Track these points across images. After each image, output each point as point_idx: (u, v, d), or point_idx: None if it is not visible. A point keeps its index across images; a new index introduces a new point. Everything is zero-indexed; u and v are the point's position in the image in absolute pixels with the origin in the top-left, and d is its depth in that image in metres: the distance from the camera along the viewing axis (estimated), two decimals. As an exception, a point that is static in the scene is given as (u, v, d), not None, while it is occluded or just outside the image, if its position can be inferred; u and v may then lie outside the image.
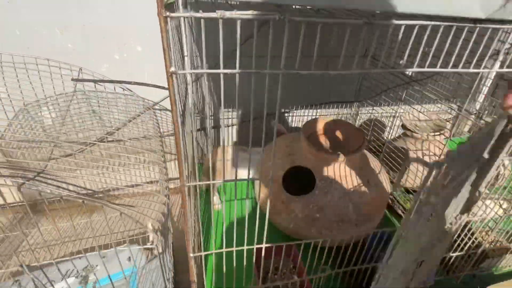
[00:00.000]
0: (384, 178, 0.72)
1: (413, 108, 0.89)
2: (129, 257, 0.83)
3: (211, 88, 1.04)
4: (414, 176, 0.88)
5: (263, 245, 0.51)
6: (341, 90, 1.14)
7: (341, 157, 0.66)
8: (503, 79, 0.94)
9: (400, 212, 0.86)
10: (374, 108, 1.11)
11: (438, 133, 0.88)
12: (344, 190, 0.67)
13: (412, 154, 0.91)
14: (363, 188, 0.66)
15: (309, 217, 0.67)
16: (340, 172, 0.68)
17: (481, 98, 1.24)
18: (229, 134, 1.16)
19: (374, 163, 0.75)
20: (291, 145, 0.78)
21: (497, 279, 0.68)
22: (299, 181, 0.71)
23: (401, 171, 0.78)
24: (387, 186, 0.71)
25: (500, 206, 0.73)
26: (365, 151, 0.80)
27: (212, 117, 1.10)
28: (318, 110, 1.16)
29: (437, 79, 0.87)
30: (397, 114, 1.04)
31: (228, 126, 1.14)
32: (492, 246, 0.69)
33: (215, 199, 0.92)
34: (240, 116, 1.12)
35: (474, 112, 0.70)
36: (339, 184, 0.68)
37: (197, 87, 1.02)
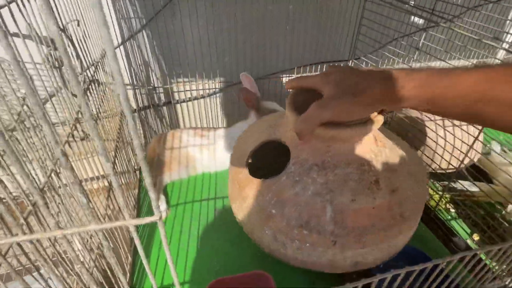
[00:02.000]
0: (419, 181, 0.50)
1: (439, 59, 0.67)
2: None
3: (154, 48, 0.80)
4: (442, 155, 0.70)
5: None
6: (333, 46, 0.93)
7: (336, 132, 0.45)
8: None
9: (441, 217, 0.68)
10: (378, 66, 0.91)
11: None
12: (326, 185, 0.47)
13: (430, 126, 0.73)
14: (363, 189, 0.46)
15: (263, 212, 0.49)
16: (331, 157, 0.48)
17: None
18: (184, 114, 0.95)
19: (402, 152, 0.53)
20: (279, 117, 0.58)
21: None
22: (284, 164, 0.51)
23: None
24: (417, 194, 0.49)
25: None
26: (389, 132, 0.59)
27: (160, 89, 0.88)
28: (304, 75, 0.95)
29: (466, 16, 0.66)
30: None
31: (184, 101, 0.92)
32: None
33: (160, 203, 0.70)
34: (208, 85, 0.90)
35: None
36: (321, 173, 0.47)
37: (133, 46, 0.79)
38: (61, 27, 0.35)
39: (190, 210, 0.71)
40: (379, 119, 0.45)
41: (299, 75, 0.49)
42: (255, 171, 0.55)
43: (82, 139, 0.35)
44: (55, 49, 0.31)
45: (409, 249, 0.55)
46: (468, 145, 0.68)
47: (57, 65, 0.30)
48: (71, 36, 0.38)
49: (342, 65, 0.46)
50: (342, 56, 0.95)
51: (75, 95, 0.36)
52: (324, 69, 0.95)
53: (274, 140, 0.55)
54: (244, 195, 0.53)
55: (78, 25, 0.41)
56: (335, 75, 0.42)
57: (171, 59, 0.81)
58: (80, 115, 0.35)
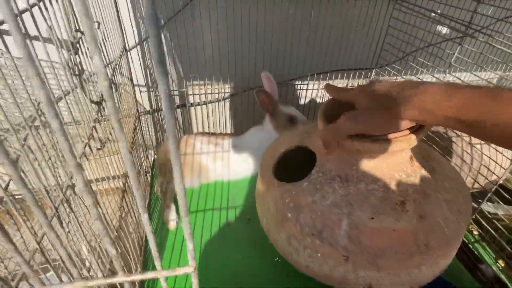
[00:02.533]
0: (455, 212, 0.47)
1: (471, 73, 0.65)
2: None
3: (171, 48, 0.80)
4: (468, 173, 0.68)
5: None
6: (355, 53, 0.91)
7: (360, 146, 0.44)
8: None
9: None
10: (400, 77, 0.89)
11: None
12: (347, 198, 0.46)
13: (457, 143, 0.70)
14: (386, 209, 0.45)
15: (280, 215, 0.50)
16: (356, 170, 0.47)
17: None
18: (198, 117, 0.94)
19: (442, 178, 0.50)
20: (315, 125, 0.60)
21: None
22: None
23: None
24: (451, 225, 0.45)
25: None
26: (436, 154, 0.57)
27: (175, 92, 0.88)
28: (323, 81, 0.94)
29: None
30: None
31: (199, 104, 0.91)
32: None
33: (170, 212, 0.69)
34: (222, 89, 0.89)
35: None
36: (343, 185, 0.47)
37: (150, 48, 0.79)
38: (81, 30, 0.35)
39: (201, 220, 0.70)
40: (411, 138, 0.44)
41: (339, 86, 0.49)
42: (285, 175, 0.56)
43: (98, 149, 0.34)
44: (76, 53, 0.31)
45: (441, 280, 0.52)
46: (496, 163, 0.65)
47: (77, 72, 0.29)
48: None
49: (381, 78, 0.44)
50: (364, 64, 0.93)
51: (95, 102, 0.36)
52: (345, 77, 0.94)
53: (303, 146, 0.55)
54: (266, 196, 0.54)
55: (99, 27, 0.41)
56: (372, 86, 0.41)
57: (188, 62, 0.81)
58: (97, 124, 0.35)
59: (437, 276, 0.49)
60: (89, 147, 0.32)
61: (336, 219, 0.45)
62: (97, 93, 0.39)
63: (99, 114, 0.37)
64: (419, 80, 0.43)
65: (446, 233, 0.45)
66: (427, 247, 0.43)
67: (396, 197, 0.45)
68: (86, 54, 0.37)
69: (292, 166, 0.60)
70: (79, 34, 0.34)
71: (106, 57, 0.48)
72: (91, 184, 0.40)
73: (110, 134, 0.48)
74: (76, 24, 0.33)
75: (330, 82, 0.95)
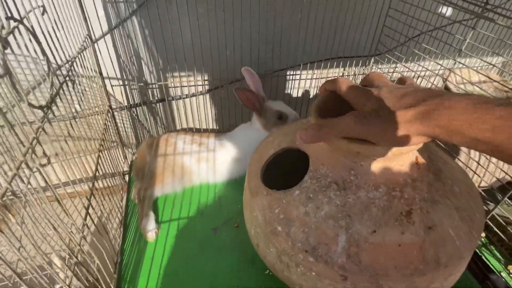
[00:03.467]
0: (467, 220, 0.43)
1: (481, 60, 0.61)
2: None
3: (146, 38, 0.74)
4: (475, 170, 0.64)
5: None
6: (352, 39, 0.86)
7: (362, 149, 0.40)
8: None
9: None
10: (401, 64, 0.84)
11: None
12: (344, 208, 0.42)
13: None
14: (389, 220, 0.40)
15: (268, 227, 0.45)
16: (355, 175, 0.43)
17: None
18: (181, 112, 0.89)
19: (451, 181, 0.46)
20: (306, 122, 0.56)
21: None
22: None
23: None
24: (462, 236, 0.41)
25: None
26: (441, 152, 0.52)
27: (153, 86, 0.82)
28: (317, 71, 0.89)
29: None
30: (440, 72, 0.77)
31: (180, 98, 0.86)
32: None
33: (148, 222, 0.64)
34: (205, 81, 0.84)
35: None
36: (340, 194, 0.42)
37: (122, 36, 0.73)
38: (18, 17, 0.30)
39: (185, 228, 0.66)
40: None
41: (339, 77, 0.43)
42: (275, 180, 0.51)
43: (43, 165, 0.29)
44: (4, 48, 0.26)
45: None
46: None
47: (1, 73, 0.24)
48: (33, 29, 0.32)
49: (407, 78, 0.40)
50: (362, 51, 0.88)
51: (36, 107, 0.31)
52: (340, 65, 0.89)
53: (294, 148, 0.50)
54: (254, 205, 0.50)
55: (43, 13, 0.35)
56: (379, 89, 0.37)
57: (165, 51, 0.75)
58: (40, 133, 0.30)
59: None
60: (28, 166, 0.27)
61: (332, 234, 0.41)
62: (43, 95, 0.34)
63: (45, 121, 0.31)
64: (440, 90, 0.37)
65: (457, 245, 0.41)
66: (437, 263, 0.39)
67: (401, 206, 0.41)
68: (26, 48, 0.32)
69: (284, 170, 0.56)
70: (12, 23, 0.28)
71: (61, 49, 0.42)
72: (51, 189, 0.35)
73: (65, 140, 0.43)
74: (7, 9, 0.27)
75: (325, 71, 0.90)
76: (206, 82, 0.84)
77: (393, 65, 0.89)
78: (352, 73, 0.94)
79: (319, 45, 0.83)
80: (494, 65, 0.57)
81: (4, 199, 0.29)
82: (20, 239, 0.38)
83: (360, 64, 0.89)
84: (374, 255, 0.39)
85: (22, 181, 0.30)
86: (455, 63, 0.67)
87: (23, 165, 0.30)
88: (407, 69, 0.86)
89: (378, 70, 0.90)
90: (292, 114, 0.76)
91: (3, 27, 0.26)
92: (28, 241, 0.37)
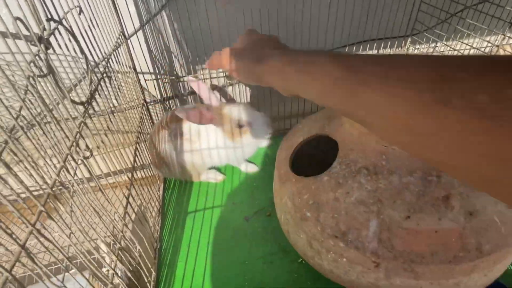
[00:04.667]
0: None
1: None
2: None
3: (175, 31, 0.77)
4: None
5: None
6: (386, 18, 0.82)
7: None
8: None
9: None
10: (442, 43, 0.79)
11: None
12: (375, 194, 0.41)
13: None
14: (425, 206, 0.39)
15: (298, 213, 0.46)
16: (387, 160, 0.42)
17: None
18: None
19: None
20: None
21: None
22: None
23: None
24: (507, 223, 0.39)
25: None
26: None
27: (184, 79, 0.85)
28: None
29: None
30: (487, 49, 0.72)
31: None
32: None
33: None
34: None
35: None
36: (371, 179, 0.42)
37: (153, 31, 0.76)
38: (58, 18, 0.33)
39: (219, 217, 0.68)
40: None
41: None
42: (305, 167, 0.53)
43: (86, 158, 0.32)
44: (46, 49, 0.28)
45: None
46: None
47: (45, 71, 0.27)
48: (71, 28, 0.35)
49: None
50: (397, 32, 0.84)
51: (80, 103, 0.34)
52: (374, 48, 0.86)
53: (324, 135, 0.51)
54: (283, 192, 0.51)
55: (80, 13, 0.38)
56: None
57: (194, 44, 0.77)
58: (83, 128, 0.33)
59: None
60: (73, 158, 0.30)
61: (363, 219, 0.41)
62: (83, 92, 0.37)
63: (86, 116, 0.34)
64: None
65: (502, 232, 0.39)
66: (479, 251, 0.38)
67: (438, 191, 0.40)
68: (66, 47, 0.35)
69: (313, 158, 0.56)
70: (53, 24, 0.31)
71: (97, 47, 0.46)
72: (95, 180, 0.38)
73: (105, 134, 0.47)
74: (47, 11, 0.30)
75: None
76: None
77: (433, 45, 0.84)
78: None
79: (351, 28, 0.81)
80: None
81: (53, 189, 0.33)
82: (70, 226, 0.43)
83: (395, 46, 0.86)
84: (408, 241, 0.38)
85: (69, 172, 0.34)
86: (504, 38, 0.63)
87: (69, 158, 0.33)
88: (449, 48, 0.81)
89: (416, 51, 0.85)
90: (258, 119, 0.68)
91: (44, 29, 0.29)
92: (76, 228, 0.42)
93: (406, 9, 0.80)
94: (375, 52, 0.87)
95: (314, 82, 0.27)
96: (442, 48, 0.82)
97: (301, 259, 0.58)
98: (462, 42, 0.78)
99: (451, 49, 0.81)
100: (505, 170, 0.17)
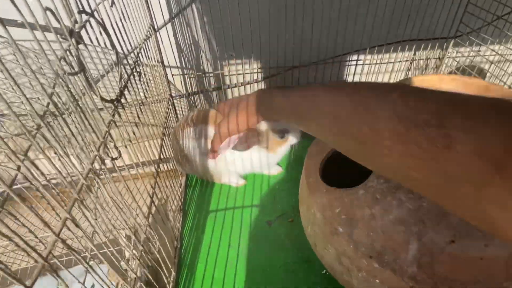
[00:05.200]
0: None
1: None
2: (93, 285, 0.66)
3: (205, 26, 0.75)
4: None
5: None
6: (427, 18, 0.77)
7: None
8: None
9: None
10: (487, 47, 0.73)
11: None
12: (417, 213, 0.38)
13: None
14: (471, 230, 0.36)
15: (328, 227, 0.43)
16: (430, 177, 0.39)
17: None
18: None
19: None
20: None
21: None
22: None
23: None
24: None
25: None
26: None
27: (210, 74, 0.83)
28: (385, 55, 0.82)
29: None
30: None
31: (236, 86, 0.86)
32: None
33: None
34: (261, 69, 0.83)
35: None
36: (413, 197, 0.39)
37: (182, 24, 0.74)
38: (89, 10, 0.31)
39: (240, 219, 0.66)
40: None
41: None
42: (334, 177, 0.50)
43: (114, 159, 0.30)
44: (78, 43, 0.27)
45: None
46: None
47: (77, 69, 0.25)
48: (103, 21, 0.33)
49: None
50: (439, 33, 0.78)
51: (109, 101, 0.32)
52: (413, 49, 0.81)
53: None
54: (312, 202, 0.48)
55: (112, 5, 0.36)
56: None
57: (223, 38, 0.75)
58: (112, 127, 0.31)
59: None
60: (101, 160, 0.28)
61: (402, 241, 0.37)
62: (113, 87, 0.35)
63: (116, 115, 0.33)
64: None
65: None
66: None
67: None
68: (97, 41, 0.33)
69: (345, 166, 0.53)
70: (84, 17, 0.29)
71: (128, 41, 0.44)
72: (122, 171, 0.37)
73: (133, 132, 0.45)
74: (78, 3, 0.29)
75: (393, 55, 0.82)
76: (261, 70, 0.82)
77: (476, 48, 0.78)
78: (424, 57, 0.85)
79: (390, 27, 0.76)
80: None
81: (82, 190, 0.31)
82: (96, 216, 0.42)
83: (436, 47, 0.80)
84: (451, 268, 0.35)
85: (97, 175, 0.32)
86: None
87: (97, 159, 0.32)
88: (494, 53, 0.75)
89: (458, 54, 0.79)
90: (288, 125, 0.64)
91: (76, 21, 0.27)
92: (102, 219, 0.41)
93: (451, 9, 0.75)
94: (412, 53, 0.82)
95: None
96: (488, 52, 0.76)
97: (325, 271, 0.55)
98: (507, 48, 0.72)
99: (496, 53, 0.75)
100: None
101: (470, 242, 0.35)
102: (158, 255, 0.50)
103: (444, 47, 0.79)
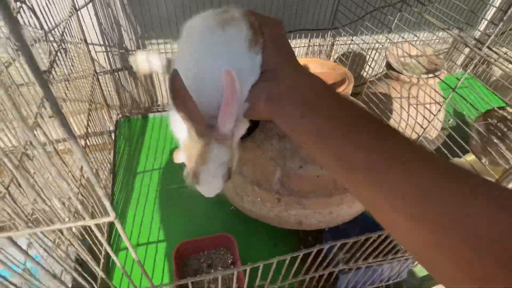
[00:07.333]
0: None
1: (404, 38, 0.74)
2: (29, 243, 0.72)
3: (124, 5, 0.81)
4: (405, 129, 0.78)
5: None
6: (313, 13, 0.95)
7: None
8: None
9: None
10: (353, 38, 0.94)
11: (432, 74, 0.75)
12: (282, 152, 0.55)
13: (395, 104, 0.79)
14: (310, 160, 0.54)
15: None
16: None
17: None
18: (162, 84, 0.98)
19: None
20: None
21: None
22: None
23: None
24: None
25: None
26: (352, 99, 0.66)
27: (133, 52, 0.90)
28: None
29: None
30: (382, 46, 0.88)
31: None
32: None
33: None
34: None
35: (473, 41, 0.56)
36: (280, 142, 0.55)
37: (103, 3, 0.80)
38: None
39: (164, 177, 0.78)
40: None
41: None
42: None
43: (51, 117, 0.39)
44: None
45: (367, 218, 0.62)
46: (428, 121, 0.75)
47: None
48: (33, 6, 0.41)
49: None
50: (322, 25, 0.97)
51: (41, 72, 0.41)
52: (303, 37, 0.98)
53: None
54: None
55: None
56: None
57: (142, 19, 0.82)
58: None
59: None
60: (41, 116, 0.38)
61: (272, 170, 0.54)
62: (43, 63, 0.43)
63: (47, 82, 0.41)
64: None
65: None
66: (345, 189, 0.53)
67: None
68: (29, 23, 0.41)
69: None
70: (18, 4, 0.38)
71: (53, 20, 0.51)
72: (50, 144, 0.45)
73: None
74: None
75: (293, 42, 0.99)
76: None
77: (348, 40, 1.00)
78: (317, 44, 1.04)
79: (284, 17, 0.92)
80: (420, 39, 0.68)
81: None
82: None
83: (320, 37, 0.99)
84: (300, 183, 0.53)
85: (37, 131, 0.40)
86: (386, 39, 0.78)
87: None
88: (362, 42, 0.96)
89: (336, 41, 1.00)
90: None
91: (13, 9, 0.36)
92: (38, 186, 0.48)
93: (328, 7, 0.94)
94: (305, 40, 1.00)
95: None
96: (358, 41, 0.97)
97: (233, 207, 0.71)
98: (362, 40, 0.94)
99: (363, 42, 0.96)
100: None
101: (311, 166, 0.53)
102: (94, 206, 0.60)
103: (325, 37, 0.99)
